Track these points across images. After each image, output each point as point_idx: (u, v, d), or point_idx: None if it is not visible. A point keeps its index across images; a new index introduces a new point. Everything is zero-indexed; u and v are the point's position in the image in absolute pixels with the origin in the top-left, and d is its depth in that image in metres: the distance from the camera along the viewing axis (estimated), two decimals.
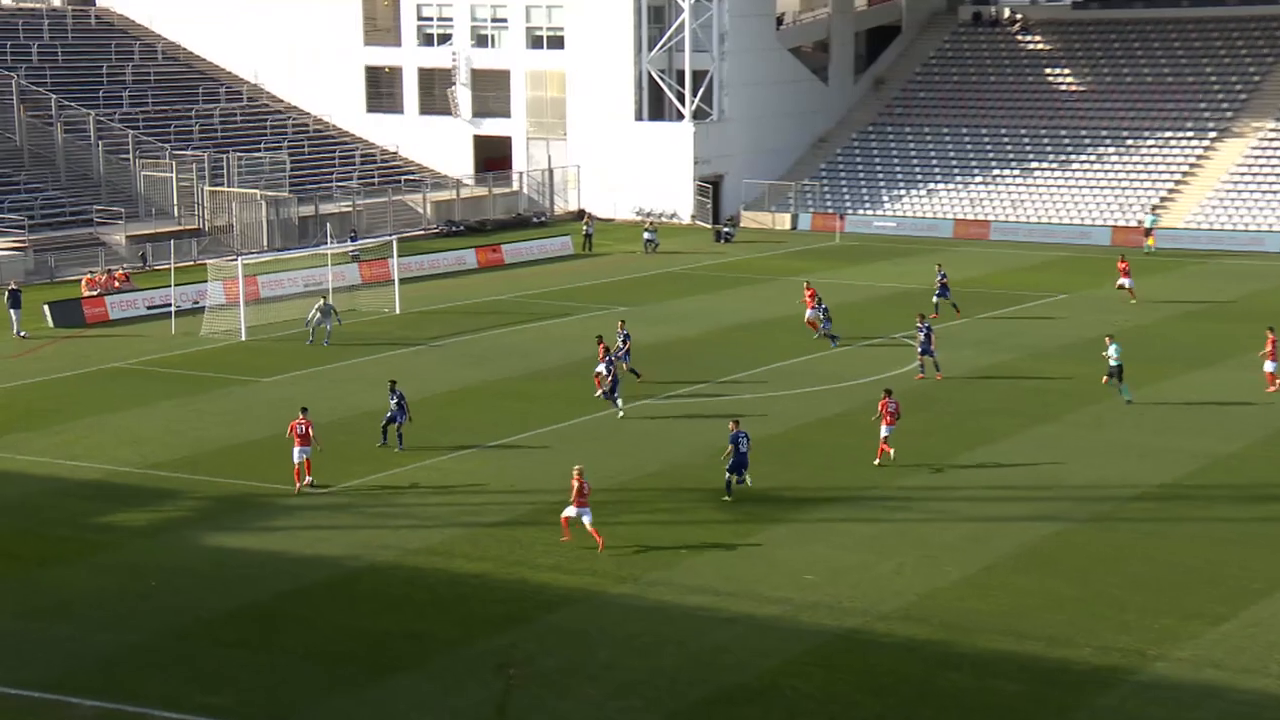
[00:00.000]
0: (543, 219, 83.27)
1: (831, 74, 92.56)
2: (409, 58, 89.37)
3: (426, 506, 34.41)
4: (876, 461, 37.01)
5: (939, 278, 55.86)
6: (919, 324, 46.21)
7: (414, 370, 47.16)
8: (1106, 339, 43.65)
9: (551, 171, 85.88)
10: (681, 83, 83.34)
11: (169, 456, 38.03)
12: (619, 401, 41.85)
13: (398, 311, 56.64)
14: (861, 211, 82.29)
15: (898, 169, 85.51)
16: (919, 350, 46.00)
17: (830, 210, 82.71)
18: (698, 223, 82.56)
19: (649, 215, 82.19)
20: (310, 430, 35.21)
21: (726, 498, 34.36)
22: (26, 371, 46.09)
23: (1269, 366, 43.79)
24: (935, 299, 54.92)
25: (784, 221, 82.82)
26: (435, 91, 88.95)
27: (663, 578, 29.93)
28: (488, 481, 36.12)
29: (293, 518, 33.47)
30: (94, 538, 32.13)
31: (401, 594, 29.22)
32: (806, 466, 37.37)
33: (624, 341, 45.53)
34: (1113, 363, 42.74)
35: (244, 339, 51.86)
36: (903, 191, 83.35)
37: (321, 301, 51.65)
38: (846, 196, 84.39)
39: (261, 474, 36.49)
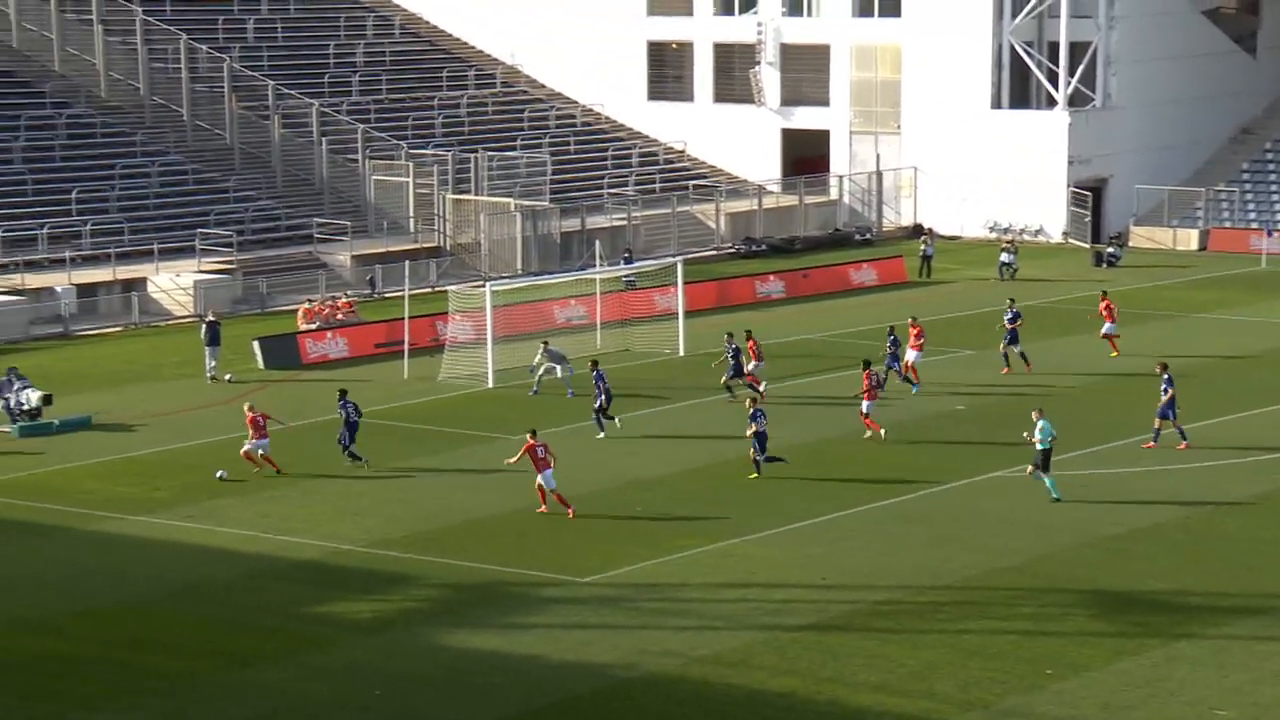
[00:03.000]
0: (868, 236, 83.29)
1: (1261, 44, 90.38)
2: (702, 30, 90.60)
3: (716, 603, 34.67)
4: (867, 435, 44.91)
5: None
6: None
7: (698, 427, 47.58)
8: (1034, 414, 41.33)
9: (880, 175, 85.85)
10: (1054, 59, 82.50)
11: (398, 532, 39.16)
12: (604, 421, 45.78)
13: (681, 353, 57.31)
14: None
15: None
16: None
17: (1254, 225, 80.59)
18: (1072, 241, 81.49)
19: (1007, 231, 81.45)
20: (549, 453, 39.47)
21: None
22: (228, 424, 48.00)
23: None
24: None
25: (1189, 240, 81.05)
26: (734, 73, 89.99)
27: (1021, 705, 29.55)
28: (791, 572, 36.23)
29: (549, 613, 34.11)
30: (307, 632, 33.28)
31: (685, 714, 29.45)
32: (1215, 564, 36.53)
33: (734, 355, 50.47)
34: (1039, 446, 40.73)
35: (491, 385, 53.16)
36: None
37: (544, 345, 52.64)
38: (1278, 207, 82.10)
39: (511, 556, 37.29)
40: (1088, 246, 79.60)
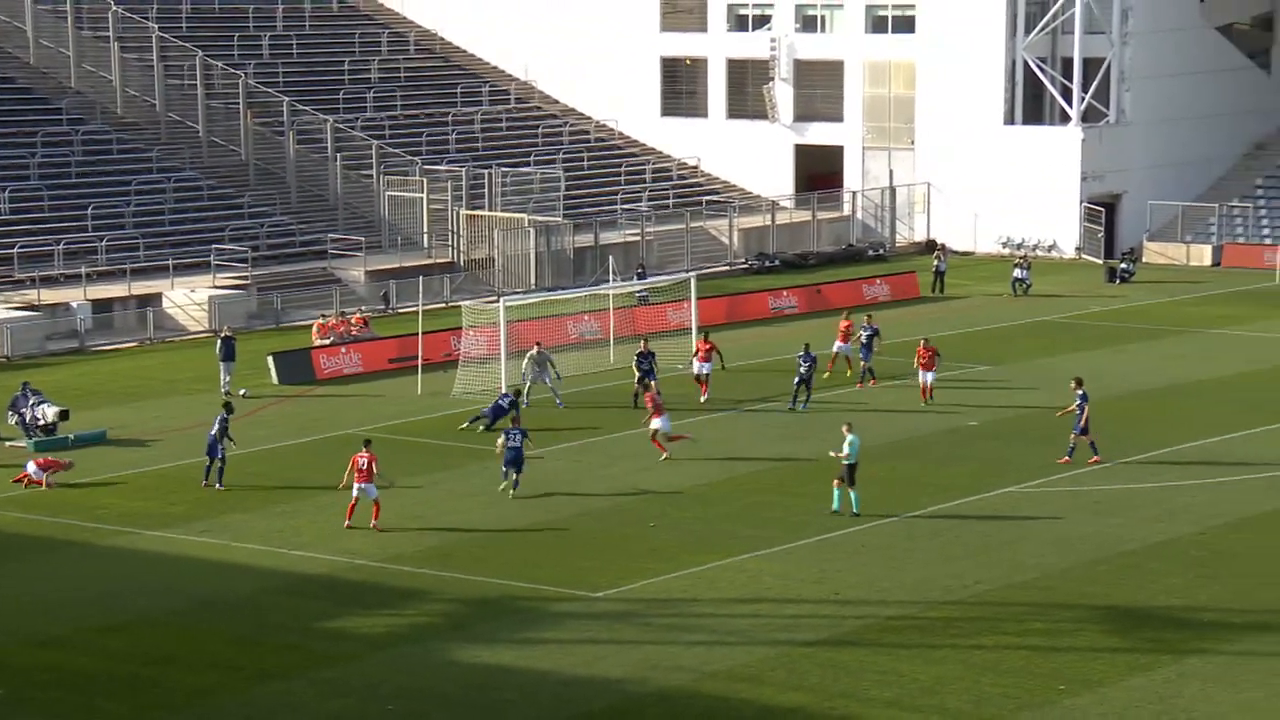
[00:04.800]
0: (881, 252, 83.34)
1: (1276, 59, 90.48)
2: (716, 46, 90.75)
3: (728, 617, 34.71)
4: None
5: None
6: None
7: (711, 442, 47.68)
8: (844, 428, 41.47)
9: (894, 191, 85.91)
10: (1068, 75, 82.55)
11: (412, 547, 39.26)
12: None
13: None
14: None
15: None
16: None
17: (1269, 241, 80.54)
18: (1085, 257, 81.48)
19: (1020, 247, 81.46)
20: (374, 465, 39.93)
21: None
22: (244, 439, 48.03)
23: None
24: None
25: (1203, 255, 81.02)
26: (748, 89, 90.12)
27: None
28: (803, 588, 36.26)
29: (562, 628, 34.17)
30: (321, 648, 33.36)
31: None
32: (1229, 580, 36.52)
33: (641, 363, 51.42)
34: (845, 461, 40.75)
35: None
36: None
37: (535, 349, 52.85)
38: None
39: (524, 571, 37.37)
40: (1101, 262, 79.59)
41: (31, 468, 44.71)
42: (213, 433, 44.19)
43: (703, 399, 52.91)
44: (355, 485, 40.28)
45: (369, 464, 40.24)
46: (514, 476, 42.78)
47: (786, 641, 33.19)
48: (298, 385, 56.33)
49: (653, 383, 50.18)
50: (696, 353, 54.16)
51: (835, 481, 41.16)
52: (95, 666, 32.44)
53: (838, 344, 55.74)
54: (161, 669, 32.30)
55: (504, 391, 50.09)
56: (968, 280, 75.90)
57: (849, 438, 41.05)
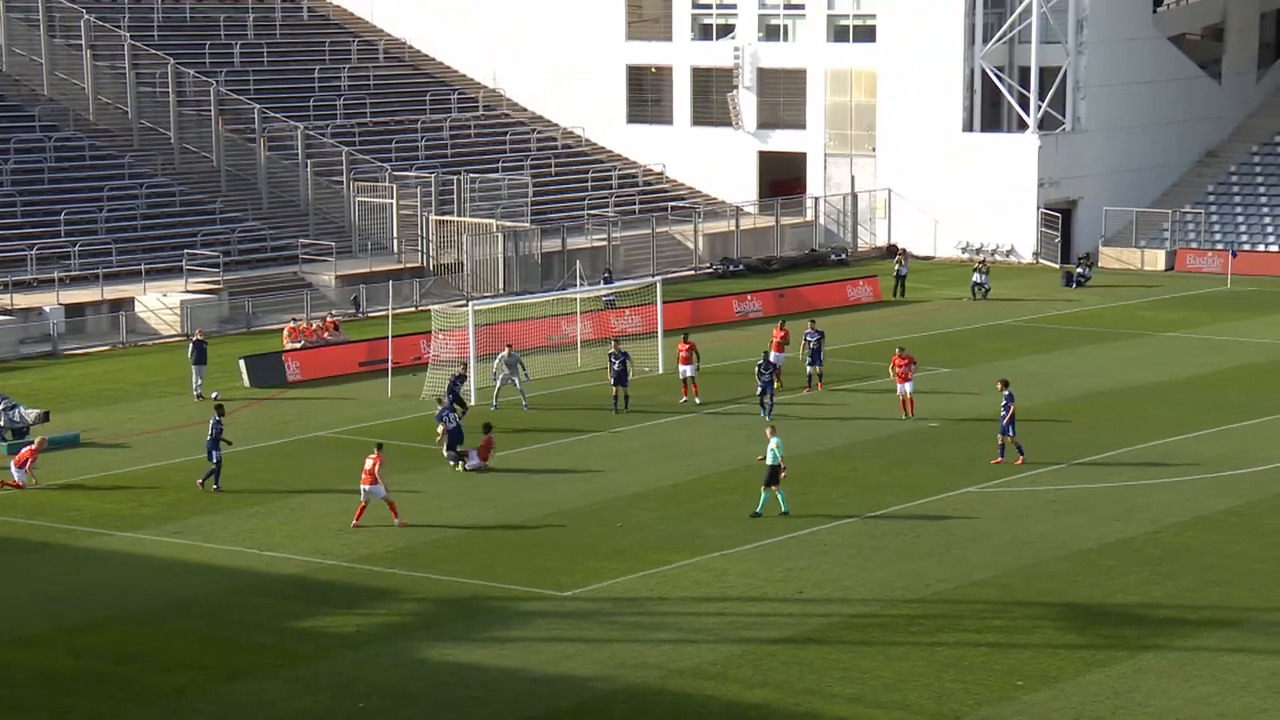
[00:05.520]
0: (843, 257, 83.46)
1: (1226, 69, 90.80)
2: (680, 55, 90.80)
3: (694, 616, 34.76)
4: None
5: None
6: None
7: (678, 443, 47.72)
8: (767, 430, 41.62)
9: (855, 197, 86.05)
10: (1025, 83, 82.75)
11: (382, 548, 39.21)
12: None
13: (660, 371, 57.41)
14: (1264, 247, 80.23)
15: None
16: None
17: (1220, 246, 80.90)
18: (1042, 261, 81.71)
19: (979, 252, 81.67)
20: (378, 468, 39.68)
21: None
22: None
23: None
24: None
25: (1157, 260, 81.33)
26: (712, 97, 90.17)
27: (993, 716, 29.65)
28: (768, 586, 36.31)
29: (531, 626, 34.17)
30: (293, 646, 33.29)
31: None
32: (1183, 578, 36.66)
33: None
34: (769, 463, 40.78)
35: (473, 403, 53.13)
36: None
37: (506, 351, 52.82)
38: (1242, 228, 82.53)
39: (492, 571, 37.36)
40: (1058, 267, 79.83)
41: (14, 472, 44.43)
42: (209, 437, 43.93)
43: (696, 400, 52.54)
44: (361, 488, 40.36)
45: (374, 466, 40.30)
46: (459, 460, 43.00)
47: (752, 639, 33.23)
48: (269, 389, 56.22)
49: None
50: (678, 356, 53.81)
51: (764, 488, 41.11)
52: (68, 665, 32.33)
53: (773, 354, 53.24)
54: (133, 668, 32.22)
55: (440, 407, 47.31)
56: (928, 285, 76.07)
57: (773, 440, 40.99)
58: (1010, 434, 45.29)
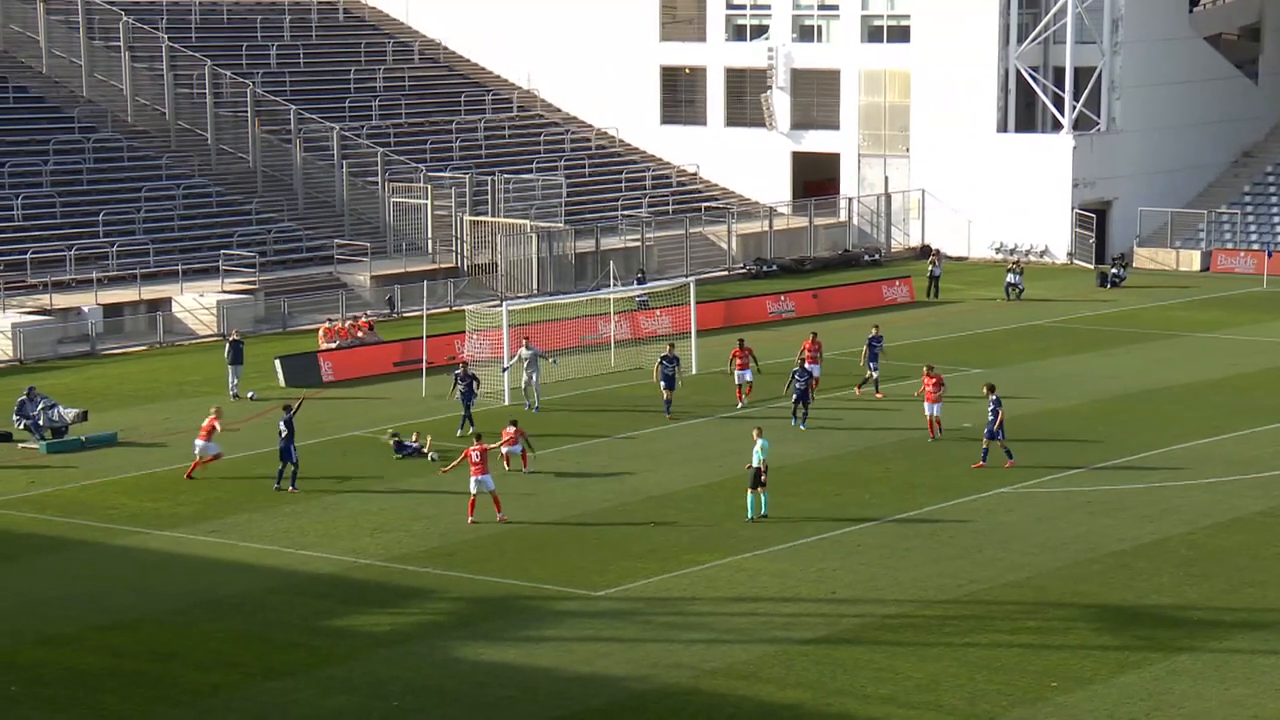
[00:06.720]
0: (876, 257, 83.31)
1: (1262, 69, 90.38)
2: (714, 56, 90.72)
3: (727, 616, 34.69)
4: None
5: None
6: None
7: (710, 443, 47.67)
8: (754, 432, 41.22)
9: (889, 197, 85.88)
10: (1060, 83, 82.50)
11: (417, 547, 39.23)
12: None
13: (694, 371, 57.31)
14: None
15: None
16: None
17: (1256, 247, 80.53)
18: (1077, 262, 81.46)
19: (1013, 252, 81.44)
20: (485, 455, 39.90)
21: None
22: (250, 440, 48.12)
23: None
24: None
25: (1192, 261, 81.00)
26: (745, 98, 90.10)
27: (1026, 717, 29.53)
28: (800, 587, 36.22)
29: (564, 626, 34.15)
30: (328, 646, 33.32)
31: None
32: (1218, 579, 36.48)
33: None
34: (754, 464, 40.45)
35: (507, 403, 53.20)
36: None
37: (524, 346, 52.73)
38: (1279, 229, 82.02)
39: (526, 571, 37.35)
40: (1092, 267, 79.58)
41: (209, 447, 44.58)
42: (283, 436, 43.65)
43: (739, 405, 52.10)
44: (472, 479, 40.27)
45: (482, 456, 40.28)
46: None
47: (784, 639, 33.16)
48: (304, 388, 56.25)
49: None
50: (734, 360, 53.12)
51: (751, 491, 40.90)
52: (102, 664, 32.40)
53: (809, 365, 52.25)
54: (167, 666, 32.26)
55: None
56: (961, 285, 75.87)
57: (759, 442, 40.80)
58: (1000, 438, 45.01)
